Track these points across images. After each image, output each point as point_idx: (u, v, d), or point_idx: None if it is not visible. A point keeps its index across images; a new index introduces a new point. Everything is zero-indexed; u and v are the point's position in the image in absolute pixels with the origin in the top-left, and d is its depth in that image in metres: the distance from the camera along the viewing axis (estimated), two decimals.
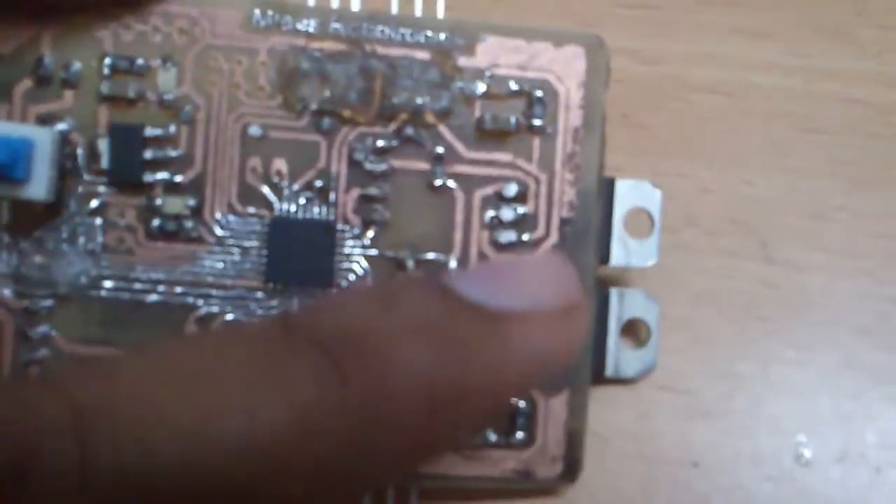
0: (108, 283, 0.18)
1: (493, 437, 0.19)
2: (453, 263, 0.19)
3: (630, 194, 0.20)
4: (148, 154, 0.18)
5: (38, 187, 0.17)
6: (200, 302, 0.19)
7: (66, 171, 0.18)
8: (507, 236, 0.19)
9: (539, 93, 0.19)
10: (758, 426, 0.21)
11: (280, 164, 0.19)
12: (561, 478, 0.19)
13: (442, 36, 0.19)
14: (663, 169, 0.22)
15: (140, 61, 0.18)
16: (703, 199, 0.22)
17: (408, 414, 0.14)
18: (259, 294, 0.19)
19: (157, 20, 0.18)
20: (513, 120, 0.19)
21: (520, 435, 0.19)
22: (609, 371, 0.20)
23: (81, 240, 0.18)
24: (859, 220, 0.22)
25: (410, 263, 0.19)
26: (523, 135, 0.19)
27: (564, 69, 0.19)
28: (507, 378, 0.14)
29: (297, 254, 0.19)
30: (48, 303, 0.18)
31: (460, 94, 0.19)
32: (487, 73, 0.19)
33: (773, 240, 0.22)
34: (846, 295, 0.22)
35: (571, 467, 0.19)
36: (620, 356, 0.20)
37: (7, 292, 0.18)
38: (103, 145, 0.18)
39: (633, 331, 0.21)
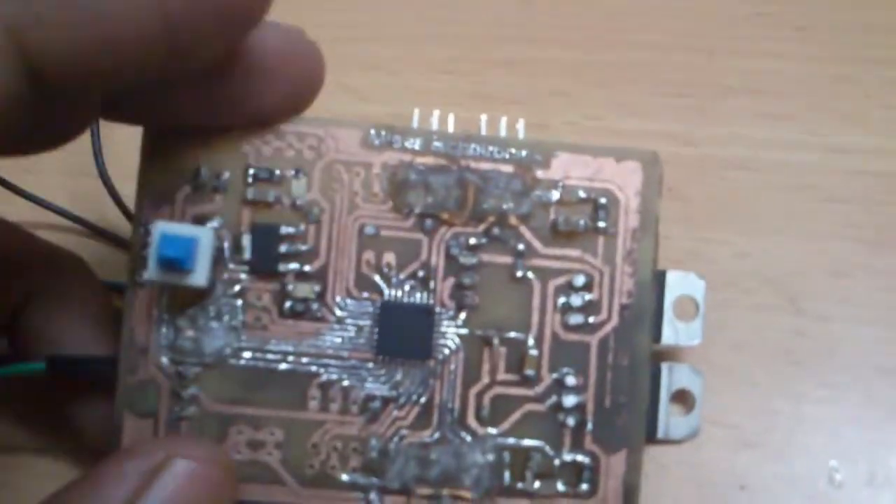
0: (246, 354, 0.22)
1: (562, 486, 0.23)
2: (531, 341, 0.23)
3: (678, 283, 0.24)
4: (283, 248, 0.22)
5: (201, 276, 0.21)
6: (322, 370, 0.22)
7: (214, 261, 0.22)
8: (576, 319, 0.23)
9: (603, 200, 0.23)
10: (794, 453, 0.25)
11: (389, 258, 0.23)
12: None
13: (523, 153, 0.23)
14: (705, 236, 0.26)
15: (277, 172, 0.22)
16: (740, 262, 0.26)
17: None
18: (370, 364, 0.22)
19: (291, 138, 0.23)
20: (581, 222, 0.23)
21: (585, 486, 0.23)
22: (660, 433, 0.24)
23: (226, 318, 0.22)
24: (876, 276, 0.26)
25: (496, 341, 0.23)
26: (590, 234, 0.23)
27: (624, 181, 0.23)
28: None
29: (402, 331, 0.22)
30: (197, 369, 0.22)
31: (538, 200, 0.23)
32: (560, 184, 0.23)
33: (801, 295, 0.26)
34: (867, 340, 0.26)
35: None
36: (670, 421, 0.24)
37: (165, 360, 0.22)
38: (246, 241, 0.22)
39: (682, 399, 0.24)
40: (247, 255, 0.22)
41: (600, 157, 0.23)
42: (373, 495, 0.22)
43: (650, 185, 0.23)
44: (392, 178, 0.23)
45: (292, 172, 0.23)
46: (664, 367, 0.24)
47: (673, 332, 0.24)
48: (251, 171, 0.22)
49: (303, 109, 0.23)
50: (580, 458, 0.23)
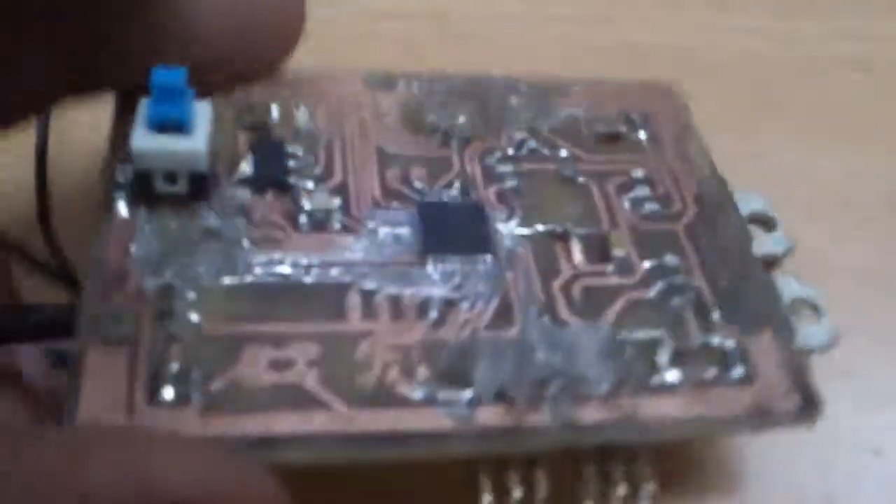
0: (257, 270, 0.17)
1: (712, 373, 0.16)
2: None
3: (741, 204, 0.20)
4: (291, 163, 0.18)
5: (200, 140, 0.17)
6: (360, 279, 0.17)
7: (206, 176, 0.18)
8: (652, 206, 0.19)
9: (635, 116, 0.21)
10: None
11: (419, 172, 0.19)
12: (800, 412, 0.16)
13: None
14: (806, 152, 0.21)
15: (275, 106, 0.19)
16: (853, 182, 0.21)
17: None
18: (418, 268, 0.17)
19: (282, 90, 0.20)
20: (623, 128, 0.20)
21: (739, 371, 0.17)
22: (796, 341, 0.18)
23: (227, 235, 0.17)
24: None
25: (569, 233, 0.18)
26: (634, 139, 0.20)
27: (651, 107, 0.21)
28: None
29: (453, 229, 0.18)
30: (192, 295, 0.16)
31: (567, 117, 0.20)
32: (585, 104, 0.21)
33: None
34: None
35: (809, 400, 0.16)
36: (801, 328, 0.19)
37: (150, 284, 0.16)
38: (246, 163, 0.18)
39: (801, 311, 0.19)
40: (248, 170, 0.18)
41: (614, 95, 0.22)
42: (459, 408, 0.15)
43: (679, 114, 0.21)
44: (405, 109, 0.20)
45: (293, 104, 0.20)
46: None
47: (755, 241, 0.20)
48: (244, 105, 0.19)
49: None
50: (719, 340, 0.17)
